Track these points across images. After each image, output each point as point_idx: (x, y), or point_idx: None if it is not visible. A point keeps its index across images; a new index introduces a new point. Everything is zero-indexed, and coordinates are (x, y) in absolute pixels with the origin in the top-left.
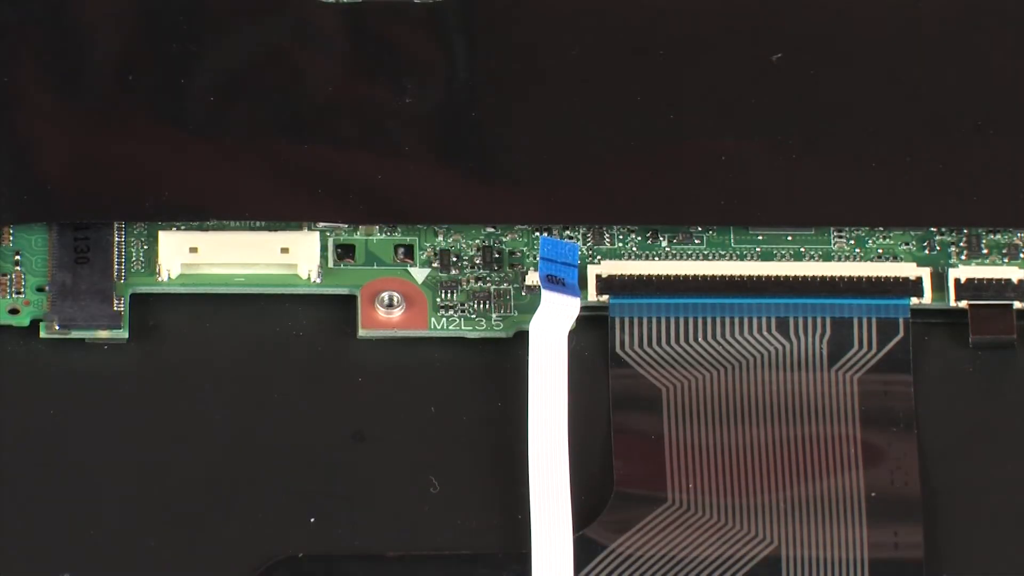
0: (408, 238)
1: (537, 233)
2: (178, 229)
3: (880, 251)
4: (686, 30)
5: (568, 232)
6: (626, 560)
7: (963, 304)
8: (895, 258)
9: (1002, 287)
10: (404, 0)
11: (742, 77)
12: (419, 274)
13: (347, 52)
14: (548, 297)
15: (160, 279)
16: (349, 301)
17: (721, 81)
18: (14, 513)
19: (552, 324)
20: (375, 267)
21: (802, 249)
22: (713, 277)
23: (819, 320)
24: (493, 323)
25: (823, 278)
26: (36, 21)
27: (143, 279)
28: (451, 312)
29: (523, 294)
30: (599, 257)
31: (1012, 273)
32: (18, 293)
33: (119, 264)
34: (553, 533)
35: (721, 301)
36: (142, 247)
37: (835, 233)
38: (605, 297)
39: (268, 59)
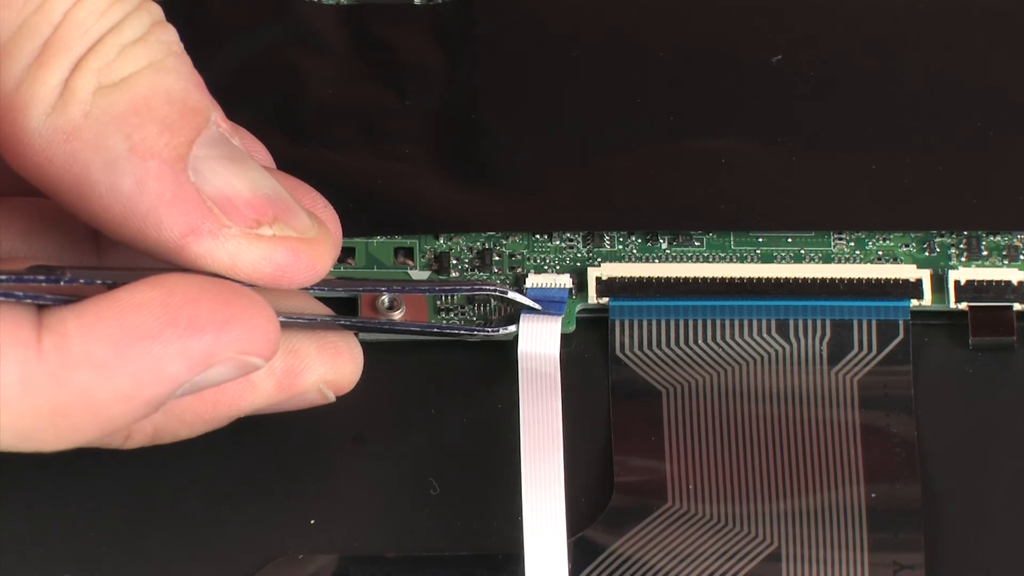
0: (408, 240)
1: (536, 236)
2: None
3: (880, 253)
4: (686, 33)
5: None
6: (626, 561)
7: (963, 306)
8: (895, 260)
9: (1002, 289)
10: (404, 3)
11: (742, 79)
12: (419, 276)
13: (347, 55)
14: (527, 320)
15: None
16: (350, 304)
17: (721, 83)
18: (14, 513)
19: (537, 343)
20: (375, 269)
21: (802, 251)
22: (713, 279)
23: (819, 322)
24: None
25: (823, 280)
26: None
27: None
28: (451, 314)
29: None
30: (599, 259)
31: (1012, 275)
32: None
33: None
34: (547, 544)
35: (721, 303)
36: None
37: (835, 235)
38: (605, 299)
39: (268, 61)
